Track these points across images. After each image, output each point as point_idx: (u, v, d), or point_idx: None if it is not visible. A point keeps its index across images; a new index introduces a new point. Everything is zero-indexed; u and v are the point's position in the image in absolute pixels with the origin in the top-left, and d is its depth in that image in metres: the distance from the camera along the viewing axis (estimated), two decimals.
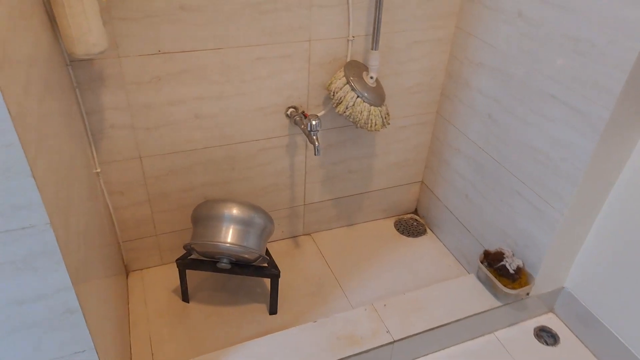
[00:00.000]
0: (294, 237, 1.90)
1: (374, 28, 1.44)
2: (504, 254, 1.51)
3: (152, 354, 1.45)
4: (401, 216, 2.06)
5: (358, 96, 1.45)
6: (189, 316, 1.57)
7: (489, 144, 1.57)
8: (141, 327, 1.53)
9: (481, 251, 1.57)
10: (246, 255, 1.45)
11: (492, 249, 1.55)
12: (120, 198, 1.52)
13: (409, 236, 1.96)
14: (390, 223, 2.02)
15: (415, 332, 1.40)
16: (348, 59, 1.52)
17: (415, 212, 2.08)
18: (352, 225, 1.98)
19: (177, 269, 1.53)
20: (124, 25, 1.25)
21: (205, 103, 1.44)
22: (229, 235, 1.42)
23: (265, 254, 1.54)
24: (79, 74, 1.27)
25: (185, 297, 1.60)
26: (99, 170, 1.43)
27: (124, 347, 1.32)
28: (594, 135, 1.21)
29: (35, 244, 0.76)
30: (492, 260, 1.52)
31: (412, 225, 2.01)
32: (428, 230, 1.99)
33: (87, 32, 1.08)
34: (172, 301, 1.61)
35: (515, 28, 1.38)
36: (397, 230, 1.99)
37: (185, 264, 1.51)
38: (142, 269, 1.72)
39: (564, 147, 1.30)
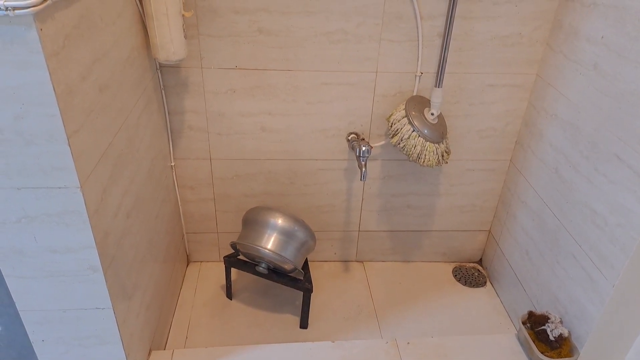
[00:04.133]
0: (346, 261, 1.93)
1: (439, 66, 1.46)
2: (549, 318, 1.39)
3: (187, 337, 1.58)
4: (463, 264, 1.98)
5: (414, 130, 1.47)
6: (228, 311, 1.68)
7: (552, 201, 1.48)
8: (185, 311, 1.67)
9: None
10: (282, 264, 1.53)
11: (540, 311, 1.44)
12: (190, 192, 1.70)
13: (465, 285, 1.88)
14: (448, 268, 1.95)
15: None
16: (414, 94, 1.55)
17: (480, 262, 1.99)
18: (407, 262, 1.96)
19: (224, 266, 1.66)
20: (209, 41, 1.43)
21: (272, 118, 1.57)
22: (270, 242, 1.51)
23: (303, 269, 1.60)
24: (167, 78, 1.47)
25: (229, 294, 1.72)
26: (173, 164, 1.62)
27: (160, 322, 1.46)
28: None
29: (67, 202, 0.91)
30: (535, 323, 1.41)
31: (472, 274, 1.92)
32: (488, 283, 1.89)
33: (169, 41, 1.27)
34: (218, 295, 1.74)
35: (589, 81, 1.31)
36: (455, 276, 1.91)
37: (231, 261, 1.63)
38: (201, 262, 1.89)
39: (621, 212, 1.18)
